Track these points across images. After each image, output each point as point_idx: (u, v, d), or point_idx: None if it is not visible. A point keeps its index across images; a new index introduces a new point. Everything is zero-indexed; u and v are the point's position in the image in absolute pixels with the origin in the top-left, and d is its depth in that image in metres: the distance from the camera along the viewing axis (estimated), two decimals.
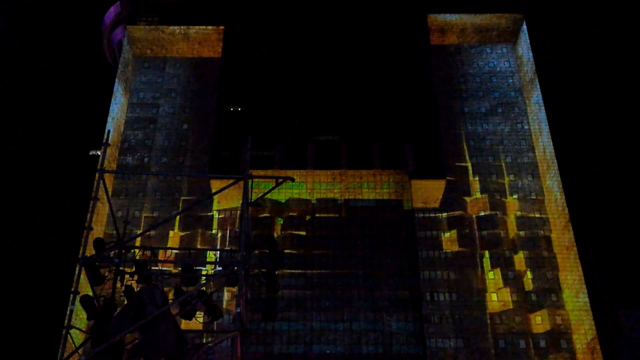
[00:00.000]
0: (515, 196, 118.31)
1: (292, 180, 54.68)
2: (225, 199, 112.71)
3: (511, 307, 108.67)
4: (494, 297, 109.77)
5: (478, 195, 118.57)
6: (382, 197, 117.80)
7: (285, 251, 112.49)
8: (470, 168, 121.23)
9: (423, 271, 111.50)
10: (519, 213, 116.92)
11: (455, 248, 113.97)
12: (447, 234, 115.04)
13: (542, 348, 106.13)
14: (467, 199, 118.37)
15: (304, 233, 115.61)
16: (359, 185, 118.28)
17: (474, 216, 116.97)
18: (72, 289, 48.50)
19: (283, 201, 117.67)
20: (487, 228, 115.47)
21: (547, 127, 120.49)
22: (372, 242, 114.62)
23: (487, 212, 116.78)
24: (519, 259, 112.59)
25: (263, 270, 49.81)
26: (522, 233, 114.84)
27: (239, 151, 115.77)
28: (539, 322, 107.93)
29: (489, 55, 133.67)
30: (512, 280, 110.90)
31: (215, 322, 51.16)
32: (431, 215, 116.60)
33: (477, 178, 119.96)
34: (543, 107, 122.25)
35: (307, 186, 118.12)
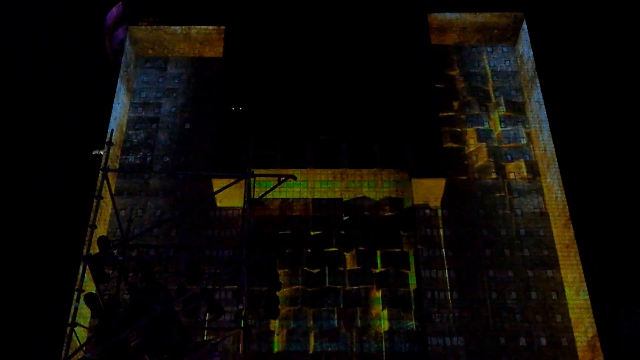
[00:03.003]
0: (515, 194, 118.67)
1: (295, 178, 55.38)
2: (227, 198, 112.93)
3: (511, 304, 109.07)
4: (494, 295, 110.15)
5: (479, 194, 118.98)
6: (383, 196, 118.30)
7: (287, 249, 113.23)
8: (470, 167, 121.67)
9: (424, 269, 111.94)
10: (519, 211, 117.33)
11: (456, 246, 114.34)
12: (448, 232, 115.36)
13: (543, 346, 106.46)
14: (468, 198, 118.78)
15: (304, 231, 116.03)
16: (360, 184, 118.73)
17: (475, 214, 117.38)
18: (77, 287, 49.23)
19: (284, 200, 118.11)
20: (488, 226, 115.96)
21: (548, 125, 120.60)
22: (372, 241, 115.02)
23: (488, 211, 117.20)
24: (520, 257, 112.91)
25: (264, 268, 50.36)
26: (522, 231, 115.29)
27: (241, 150, 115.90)
28: (539, 320, 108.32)
29: (489, 54, 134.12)
30: (513, 278, 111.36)
31: (218, 319, 51.76)
32: (432, 213, 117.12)
33: (477, 177, 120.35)
34: (544, 106, 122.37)
35: (307, 185, 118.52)
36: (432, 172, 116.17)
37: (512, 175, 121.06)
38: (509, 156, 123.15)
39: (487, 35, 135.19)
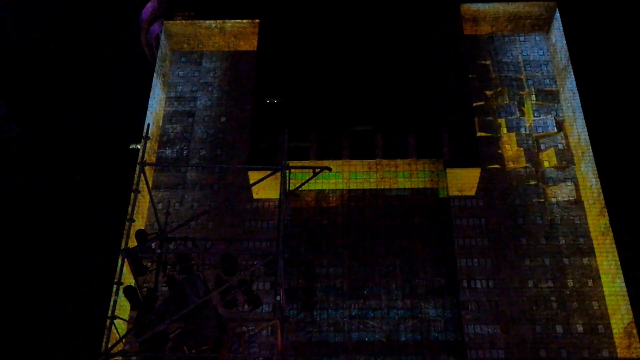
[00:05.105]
0: (550, 183, 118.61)
1: (330, 170, 56.02)
2: (264, 190, 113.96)
3: (548, 293, 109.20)
4: (531, 283, 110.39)
5: (513, 183, 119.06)
6: (418, 186, 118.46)
7: (323, 241, 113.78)
8: (505, 156, 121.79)
9: (460, 258, 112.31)
10: (554, 200, 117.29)
11: (492, 235, 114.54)
12: (483, 222, 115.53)
13: (580, 333, 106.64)
14: (502, 186, 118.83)
15: (340, 222, 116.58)
16: (395, 175, 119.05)
17: (510, 204, 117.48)
18: (116, 280, 50.17)
19: (320, 191, 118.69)
20: (523, 216, 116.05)
21: (582, 113, 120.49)
22: (408, 231, 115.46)
23: (523, 200, 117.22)
24: (555, 246, 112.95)
25: (301, 259, 51.15)
26: (557, 220, 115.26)
27: (276, 143, 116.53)
28: (576, 307, 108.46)
29: (522, 44, 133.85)
30: (549, 266, 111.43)
31: (255, 310, 52.55)
32: (467, 203, 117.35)
33: (512, 166, 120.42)
34: (577, 94, 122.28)
35: (343, 176, 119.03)
36: (467, 161, 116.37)
37: (546, 164, 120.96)
38: (542, 145, 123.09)
39: (520, 25, 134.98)
